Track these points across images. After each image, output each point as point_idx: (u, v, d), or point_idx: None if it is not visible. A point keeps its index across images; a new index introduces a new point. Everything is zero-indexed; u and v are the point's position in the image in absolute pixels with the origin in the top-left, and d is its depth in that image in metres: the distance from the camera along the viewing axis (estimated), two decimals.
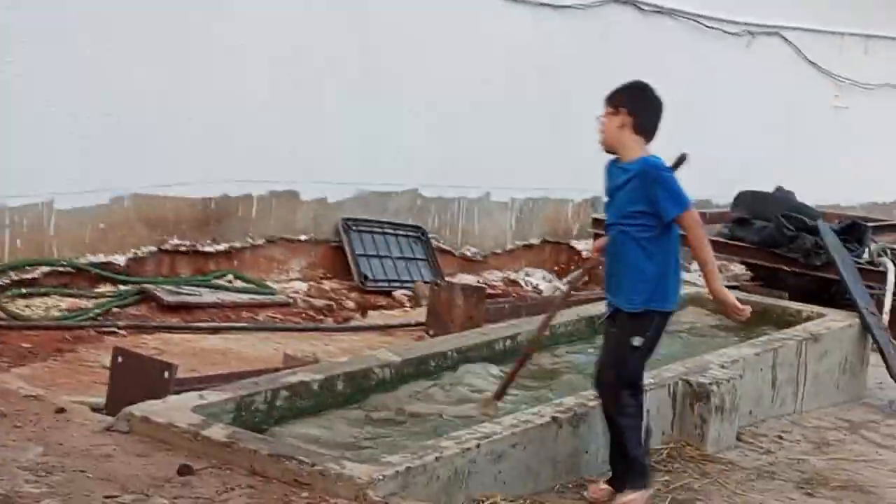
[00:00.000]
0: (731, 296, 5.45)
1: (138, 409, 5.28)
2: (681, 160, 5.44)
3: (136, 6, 8.97)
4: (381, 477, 4.66)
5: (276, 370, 6.47)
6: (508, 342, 7.07)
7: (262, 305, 9.36)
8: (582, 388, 5.97)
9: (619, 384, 5.36)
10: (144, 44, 9.08)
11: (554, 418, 5.58)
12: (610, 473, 5.55)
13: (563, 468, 5.61)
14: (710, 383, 6.39)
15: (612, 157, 5.45)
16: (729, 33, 13.94)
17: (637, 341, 5.31)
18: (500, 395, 5.90)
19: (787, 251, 9.83)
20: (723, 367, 6.69)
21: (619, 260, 5.38)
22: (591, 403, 5.68)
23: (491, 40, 11.60)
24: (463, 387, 6.38)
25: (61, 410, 5.49)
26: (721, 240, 10.40)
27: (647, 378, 6.08)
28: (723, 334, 8.15)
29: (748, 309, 5.47)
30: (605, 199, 5.55)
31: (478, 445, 5.14)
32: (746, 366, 6.88)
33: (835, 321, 8.09)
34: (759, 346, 7.24)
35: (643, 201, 5.24)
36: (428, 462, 4.89)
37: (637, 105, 5.35)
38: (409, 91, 11.07)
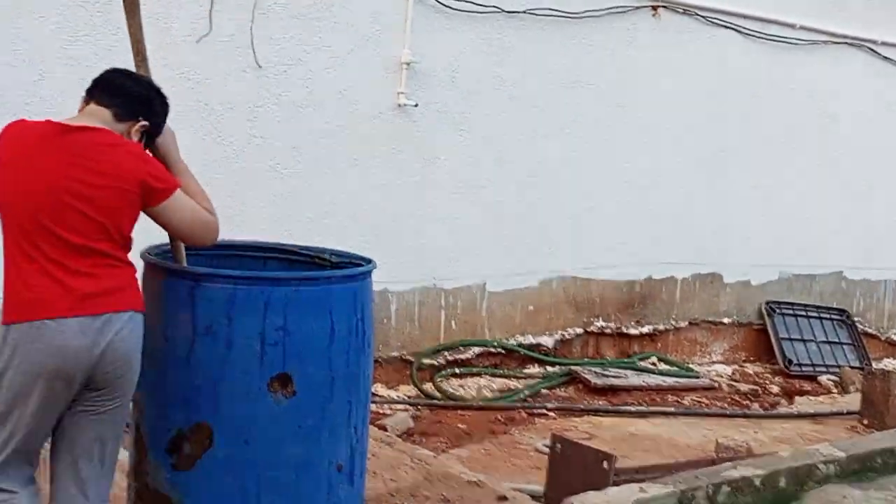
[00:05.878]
0: None
1: (579, 500, 5.29)
2: None
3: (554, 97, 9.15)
4: None
5: (713, 462, 6.37)
6: None
7: (687, 389, 9.29)
8: None
9: None
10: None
11: None
12: None
13: None
14: None
15: None
16: None
17: None
18: None
19: None
20: None
21: None
22: None
23: None
24: None
25: (503, 498, 5.59)
26: None
27: None
28: None
29: None
30: None
31: None
32: None
33: None
34: None
35: None
36: None
37: None
38: (829, 170, 10.84)
